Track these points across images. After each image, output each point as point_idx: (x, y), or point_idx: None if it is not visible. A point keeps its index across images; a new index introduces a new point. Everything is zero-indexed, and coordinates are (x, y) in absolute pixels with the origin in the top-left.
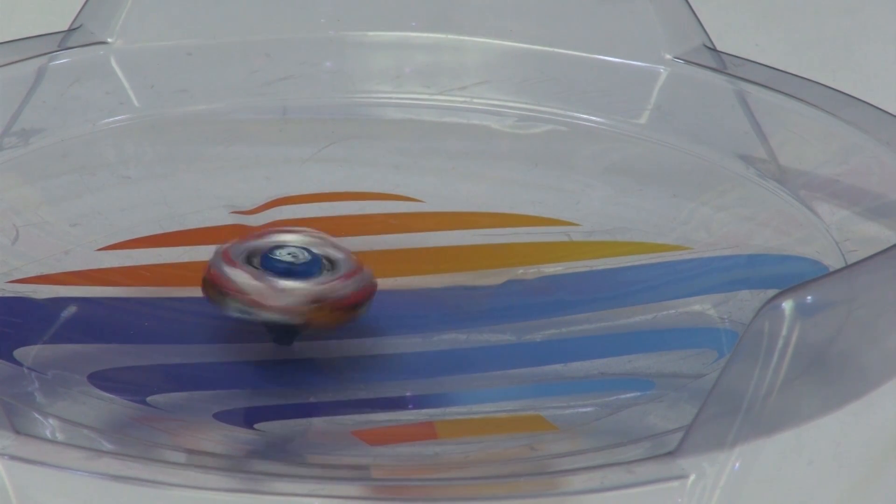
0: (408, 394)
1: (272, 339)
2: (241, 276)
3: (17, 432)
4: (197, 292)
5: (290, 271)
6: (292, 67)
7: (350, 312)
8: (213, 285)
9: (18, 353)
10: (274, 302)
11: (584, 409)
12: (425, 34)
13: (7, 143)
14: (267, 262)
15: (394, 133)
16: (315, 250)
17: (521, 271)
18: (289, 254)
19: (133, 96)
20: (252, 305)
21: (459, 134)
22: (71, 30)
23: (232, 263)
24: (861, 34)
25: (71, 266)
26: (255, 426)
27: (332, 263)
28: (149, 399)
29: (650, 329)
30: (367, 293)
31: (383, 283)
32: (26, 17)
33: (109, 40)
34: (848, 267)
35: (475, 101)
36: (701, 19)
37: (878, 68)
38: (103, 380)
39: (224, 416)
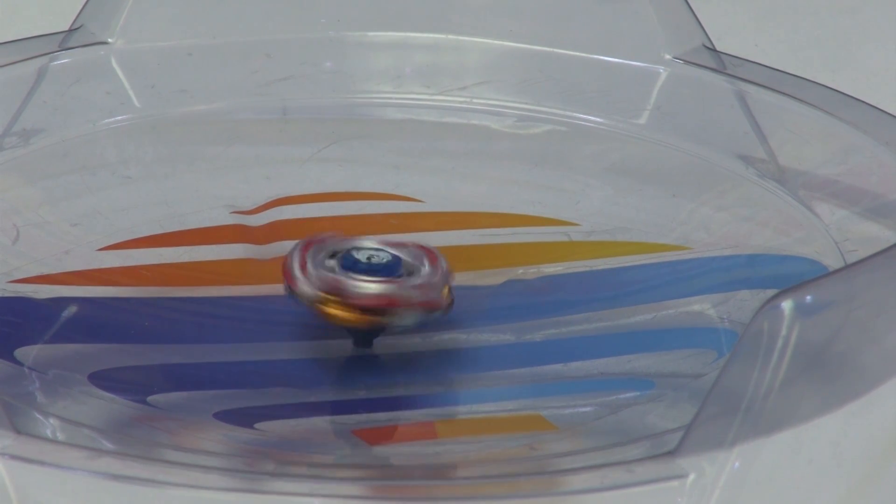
0: (408, 394)
1: (354, 341)
2: (374, 286)
3: (18, 432)
4: (196, 292)
5: (376, 269)
6: (292, 67)
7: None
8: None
9: (19, 352)
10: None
11: (584, 409)
12: (425, 34)
13: (8, 143)
14: (351, 264)
15: (394, 133)
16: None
17: (521, 271)
18: (369, 256)
19: (133, 96)
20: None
21: (459, 134)
22: (71, 30)
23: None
24: (861, 34)
25: (71, 266)
26: (256, 426)
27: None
28: (149, 399)
29: (650, 329)
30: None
31: None
32: (27, 17)
33: (110, 40)
34: (848, 267)
35: (475, 101)
36: (701, 19)
37: (878, 68)
38: (104, 379)
39: (224, 416)
